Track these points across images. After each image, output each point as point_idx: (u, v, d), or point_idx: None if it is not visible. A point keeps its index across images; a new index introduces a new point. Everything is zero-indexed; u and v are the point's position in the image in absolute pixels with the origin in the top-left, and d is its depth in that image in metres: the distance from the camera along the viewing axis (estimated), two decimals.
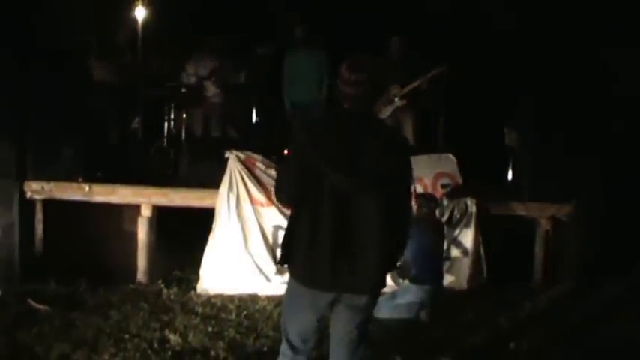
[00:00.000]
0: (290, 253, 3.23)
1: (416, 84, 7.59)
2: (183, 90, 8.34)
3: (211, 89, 8.30)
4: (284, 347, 3.34)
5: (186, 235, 6.65)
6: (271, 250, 6.34)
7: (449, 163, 6.95)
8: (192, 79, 8.29)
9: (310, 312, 3.22)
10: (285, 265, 3.30)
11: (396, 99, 7.69)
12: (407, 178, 3.31)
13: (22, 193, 6.50)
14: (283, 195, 3.32)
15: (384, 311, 5.69)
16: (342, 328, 3.27)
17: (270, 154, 6.72)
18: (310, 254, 3.13)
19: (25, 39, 6.32)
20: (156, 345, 4.82)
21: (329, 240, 3.10)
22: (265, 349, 4.81)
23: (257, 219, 6.38)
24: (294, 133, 3.29)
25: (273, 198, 3.46)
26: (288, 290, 3.33)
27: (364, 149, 3.11)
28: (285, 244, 3.28)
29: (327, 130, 3.20)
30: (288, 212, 3.89)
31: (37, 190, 6.56)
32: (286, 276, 3.38)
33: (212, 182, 6.55)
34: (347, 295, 3.18)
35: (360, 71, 3.17)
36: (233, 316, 5.57)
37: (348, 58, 3.23)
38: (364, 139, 3.13)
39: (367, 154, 3.11)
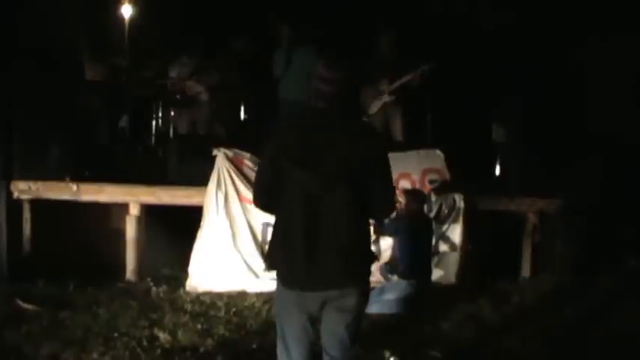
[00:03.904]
0: (273, 257, 3.24)
1: (404, 80, 7.62)
2: (170, 90, 8.33)
3: (195, 88, 8.28)
4: (280, 348, 3.29)
5: (174, 233, 6.65)
6: (260, 248, 6.36)
7: (437, 158, 6.97)
8: (175, 81, 8.28)
9: (298, 314, 3.19)
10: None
11: (385, 95, 7.71)
12: (383, 173, 3.20)
13: (9, 193, 6.47)
14: (256, 202, 3.33)
15: (373, 307, 5.71)
16: (331, 330, 3.23)
17: (259, 151, 6.70)
18: (288, 256, 3.13)
19: (9, 39, 6.30)
20: (145, 343, 4.80)
21: (303, 240, 3.08)
22: (255, 345, 4.80)
23: (245, 216, 6.39)
24: (267, 135, 3.30)
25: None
26: (277, 295, 3.30)
27: (335, 147, 3.08)
28: (269, 249, 3.30)
29: (298, 129, 3.18)
30: None
31: (24, 189, 6.54)
32: (274, 272, 3.33)
33: (200, 180, 6.54)
34: (334, 294, 3.14)
35: (338, 70, 3.16)
36: (222, 313, 5.58)
37: (326, 57, 3.26)
38: (336, 138, 3.10)
39: (338, 152, 3.07)
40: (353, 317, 3.20)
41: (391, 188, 3.34)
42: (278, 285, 3.24)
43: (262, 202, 3.30)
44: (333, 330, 3.22)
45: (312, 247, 3.08)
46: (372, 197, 3.15)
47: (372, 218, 3.38)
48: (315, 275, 3.10)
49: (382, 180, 3.20)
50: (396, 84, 7.68)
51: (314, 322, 3.23)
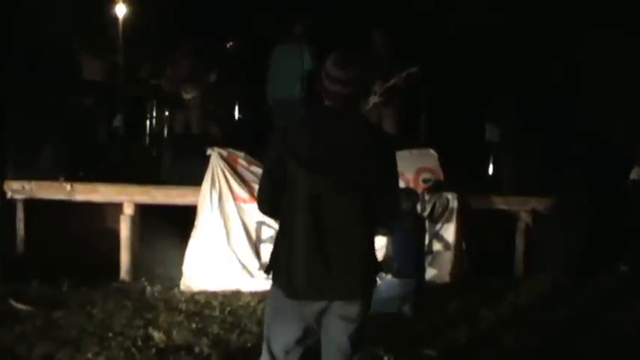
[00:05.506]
0: (278, 265, 3.08)
1: (391, 83, 7.62)
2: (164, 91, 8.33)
3: (189, 90, 8.28)
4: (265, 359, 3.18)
5: (168, 232, 6.64)
6: (254, 246, 6.36)
7: (430, 158, 6.98)
8: (170, 83, 8.28)
9: (295, 323, 3.06)
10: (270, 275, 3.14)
11: (375, 96, 7.71)
12: (391, 177, 3.11)
13: (3, 193, 6.46)
14: (261, 206, 3.18)
15: None
16: (333, 339, 3.09)
17: (254, 150, 6.72)
18: (291, 263, 2.98)
19: (3, 38, 6.29)
20: (140, 343, 4.80)
21: (308, 247, 2.95)
22: (249, 344, 4.81)
23: (240, 215, 6.39)
24: (271, 133, 3.14)
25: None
26: (271, 300, 3.16)
27: (344, 149, 2.96)
28: (273, 255, 3.13)
29: (305, 130, 3.03)
30: None
31: (17, 189, 6.53)
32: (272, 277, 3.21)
33: (194, 179, 6.54)
34: (337, 304, 3.02)
35: (349, 69, 2.99)
36: (217, 312, 5.58)
37: (335, 54, 3.04)
38: (345, 139, 2.98)
39: (347, 154, 2.96)
40: (356, 327, 3.07)
41: (398, 192, 3.23)
42: (276, 294, 3.08)
43: (267, 204, 3.14)
44: (335, 339, 3.09)
45: (322, 256, 2.95)
46: (379, 202, 3.03)
47: (378, 224, 3.20)
48: (324, 285, 2.97)
49: (390, 184, 3.10)
50: (385, 86, 7.67)
51: (309, 332, 3.11)
